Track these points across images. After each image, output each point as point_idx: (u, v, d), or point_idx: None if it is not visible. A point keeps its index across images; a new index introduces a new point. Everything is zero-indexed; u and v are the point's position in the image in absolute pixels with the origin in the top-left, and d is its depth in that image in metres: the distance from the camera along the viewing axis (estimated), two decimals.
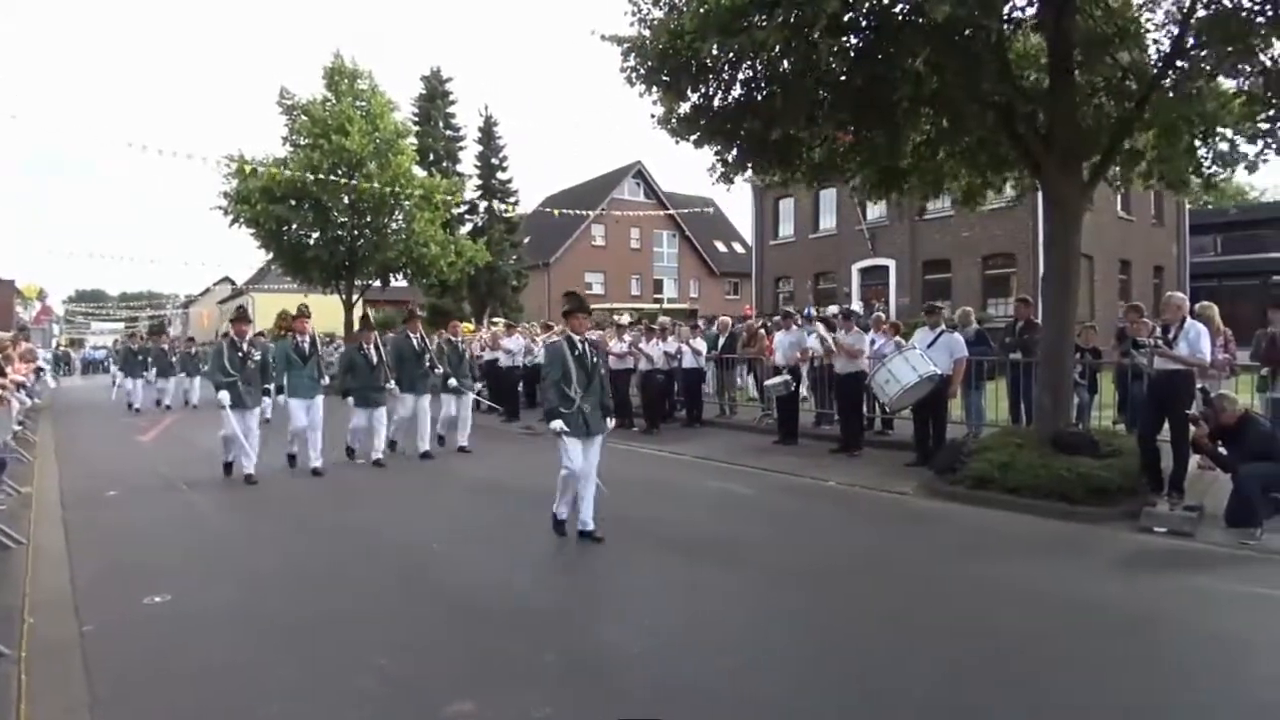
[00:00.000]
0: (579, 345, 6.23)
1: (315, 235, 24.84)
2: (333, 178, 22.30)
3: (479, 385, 10.92)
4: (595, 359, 6.42)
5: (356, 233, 24.98)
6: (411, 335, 10.43)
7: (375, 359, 9.79)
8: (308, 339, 9.36)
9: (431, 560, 5.85)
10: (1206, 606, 4.74)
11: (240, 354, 8.81)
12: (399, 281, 29.47)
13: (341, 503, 7.97)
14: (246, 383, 8.77)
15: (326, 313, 27.26)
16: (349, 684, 3.71)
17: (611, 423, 6.59)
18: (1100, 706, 3.45)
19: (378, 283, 27.60)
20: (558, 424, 5.99)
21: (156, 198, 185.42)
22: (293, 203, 23.45)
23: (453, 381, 10.66)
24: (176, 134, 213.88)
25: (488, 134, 35.74)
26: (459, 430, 10.87)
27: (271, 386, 9.40)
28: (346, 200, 23.74)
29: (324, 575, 5.52)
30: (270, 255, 26.18)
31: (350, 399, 9.68)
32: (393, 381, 9.90)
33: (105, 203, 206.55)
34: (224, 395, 8.50)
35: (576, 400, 6.08)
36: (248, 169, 22.31)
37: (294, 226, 24.17)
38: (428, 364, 10.30)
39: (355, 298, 26.32)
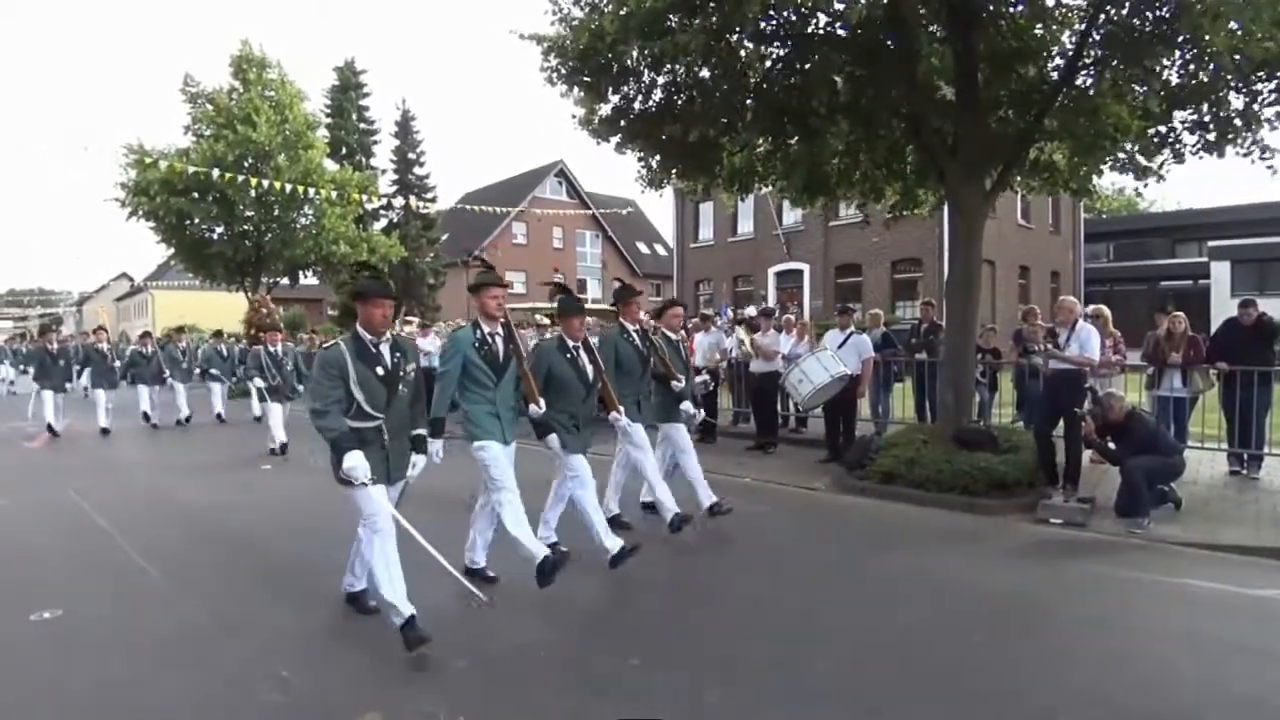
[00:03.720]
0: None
1: (219, 230, 23.85)
2: (240, 173, 21.39)
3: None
4: None
5: (264, 228, 24.07)
6: (628, 326, 6.25)
7: (590, 369, 5.50)
8: (499, 328, 4.96)
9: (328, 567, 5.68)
10: (1097, 592, 5.02)
11: (383, 369, 4.11)
12: (308, 279, 28.59)
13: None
14: (393, 432, 4.21)
15: (235, 311, 26.30)
16: (253, 696, 3.58)
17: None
18: (999, 690, 3.63)
19: (286, 280, 26.70)
20: None
21: (46, 188, 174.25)
22: (195, 195, 22.44)
23: (688, 406, 6.59)
24: (70, 121, 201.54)
25: (405, 128, 35.09)
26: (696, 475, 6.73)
27: (424, 431, 4.47)
28: (253, 194, 22.89)
29: (219, 585, 5.27)
30: (171, 251, 25.00)
31: (551, 437, 5.24)
32: (618, 410, 5.77)
33: None
34: (356, 463, 3.87)
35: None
36: (148, 160, 21.23)
37: (197, 220, 23.17)
38: (655, 375, 6.41)
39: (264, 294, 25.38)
